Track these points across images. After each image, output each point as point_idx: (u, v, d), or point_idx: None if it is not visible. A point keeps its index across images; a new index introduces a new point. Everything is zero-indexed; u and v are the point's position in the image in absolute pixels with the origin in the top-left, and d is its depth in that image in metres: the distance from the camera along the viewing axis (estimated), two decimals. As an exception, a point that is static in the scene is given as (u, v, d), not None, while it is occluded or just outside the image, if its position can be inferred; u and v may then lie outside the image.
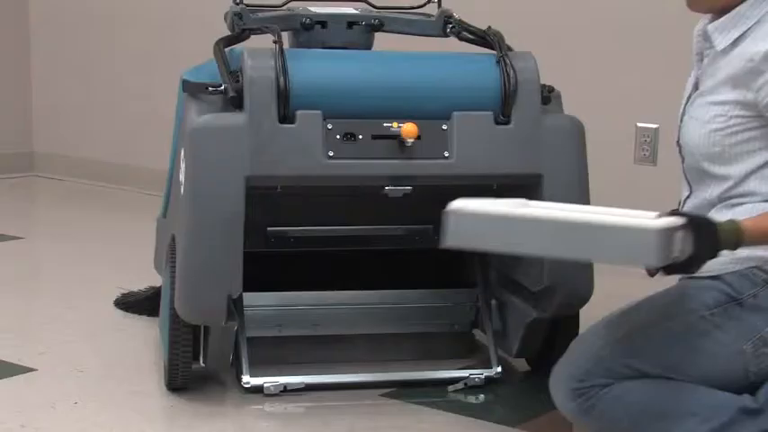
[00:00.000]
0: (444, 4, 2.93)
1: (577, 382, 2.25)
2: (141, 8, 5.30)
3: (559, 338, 2.71)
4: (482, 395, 2.72)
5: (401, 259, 2.98)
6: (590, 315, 2.59)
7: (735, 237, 2.11)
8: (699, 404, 2.21)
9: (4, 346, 3.01)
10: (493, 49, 2.72)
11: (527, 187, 2.60)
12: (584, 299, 2.67)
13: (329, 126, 2.54)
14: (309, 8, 2.89)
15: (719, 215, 2.20)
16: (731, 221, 2.14)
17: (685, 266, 2.08)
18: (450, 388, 2.73)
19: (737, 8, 2.25)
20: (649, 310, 2.27)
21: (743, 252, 2.16)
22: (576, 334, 2.70)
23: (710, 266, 2.17)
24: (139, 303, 3.32)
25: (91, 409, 2.60)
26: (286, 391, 2.69)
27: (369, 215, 2.87)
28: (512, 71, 2.62)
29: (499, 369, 2.78)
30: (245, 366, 2.69)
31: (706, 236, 2.08)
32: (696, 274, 2.17)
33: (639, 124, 4.05)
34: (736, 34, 2.24)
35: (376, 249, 2.95)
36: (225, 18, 2.86)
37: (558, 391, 2.29)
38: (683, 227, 2.01)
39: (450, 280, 2.99)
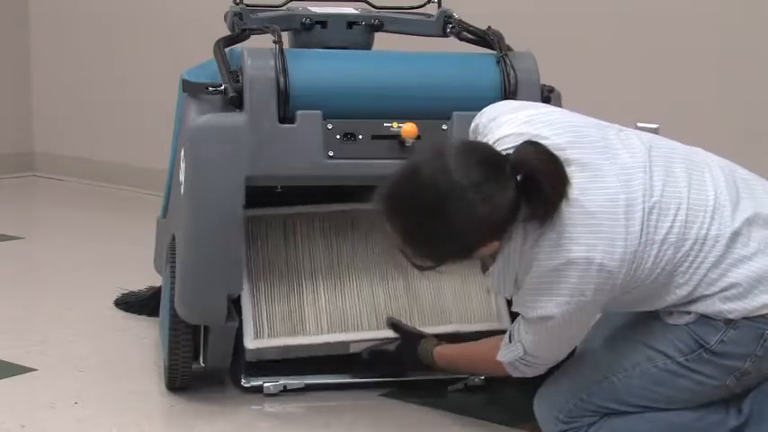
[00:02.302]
0: (444, 4, 2.94)
1: (562, 423, 2.31)
2: (141, 8, 5.29)
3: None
4: (482, 395, 2.72)
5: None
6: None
7: (429, 359, 2.60)
8: None
9: (4, 347, 3.01)
10: (493, 49, 2.72)
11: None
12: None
13: (329, 126, 2.54)
14: (309, 8, 2.89)
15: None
16: (429, 342, 2.61)
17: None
18: (450, 388, 2.73)
19: (498, 267, 2.24)
20: (629, 348, 2.29)
21: (688, 308, 2.21)
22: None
23: (674, 319, 2.25)
24: (139, 303, 3.32)
25: (91, 409, 2.60)
26: (286, 391, 2.69)
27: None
28: (512, 71, 2.63)
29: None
30: (244, 366, 2.69)
31: (407, 350, 2.61)
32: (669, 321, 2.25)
33: (640, 124, 4.02)
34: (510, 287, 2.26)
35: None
36: (225, 18, 2.86)
37: (543, 419, 2.36)
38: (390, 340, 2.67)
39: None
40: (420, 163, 2.12)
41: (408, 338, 2.65)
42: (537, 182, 2.08)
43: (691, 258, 2.18)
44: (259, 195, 2.58)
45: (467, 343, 2.58)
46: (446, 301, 2.76)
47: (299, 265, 2.74)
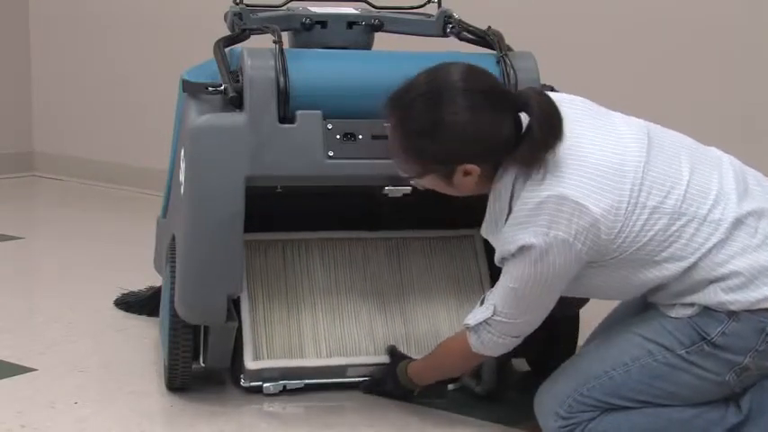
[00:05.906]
0: (444, 4, 2.94)
1: (562, 419, 2.31)
2: (141, 8, 5.30)
3: (559, 338, 2.71)
4: (482, 395, 2.72)
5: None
6: (590, 314, 2.59)
7: (406, 380, 2.59)
8: None
9: (4, 347, 3.01)
10: (493, 48, 2.72)
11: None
12: (584, 299, 2.67)
13: (329, 126, 2.54)
14: (309, 8, 2.88)
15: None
16: (405, 363, 2.60)
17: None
18: (451, 387, 2.73)
19: (489, 208, 2.27)
20: (629, 343, 2.29)
21: (690, 299, 2.22)
22: (576, 333, 2.71)
23: (676, 312, 2.25)
24: (139, 303, 3.32)
25: (91, 409, 2.60)
26: (286, 391, 2.69)
27: (368, 216, 2.87)
28: (512, 71, 2.63)
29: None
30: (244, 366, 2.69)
31: (390, 373, 2.61)
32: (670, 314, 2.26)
33: (639, 124, 4.05)
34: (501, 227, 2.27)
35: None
36: (225, 18, 2.86)
37: (543, 415, 2.36)
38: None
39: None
40: (435, 67, 2.29)
41: (392, 363, 2.65)
42: (530, 125, 2.17)
43: (688, 235, 2.19)
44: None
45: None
46: (441, 328, 2.76)
47: (297, 290, 2.75)
